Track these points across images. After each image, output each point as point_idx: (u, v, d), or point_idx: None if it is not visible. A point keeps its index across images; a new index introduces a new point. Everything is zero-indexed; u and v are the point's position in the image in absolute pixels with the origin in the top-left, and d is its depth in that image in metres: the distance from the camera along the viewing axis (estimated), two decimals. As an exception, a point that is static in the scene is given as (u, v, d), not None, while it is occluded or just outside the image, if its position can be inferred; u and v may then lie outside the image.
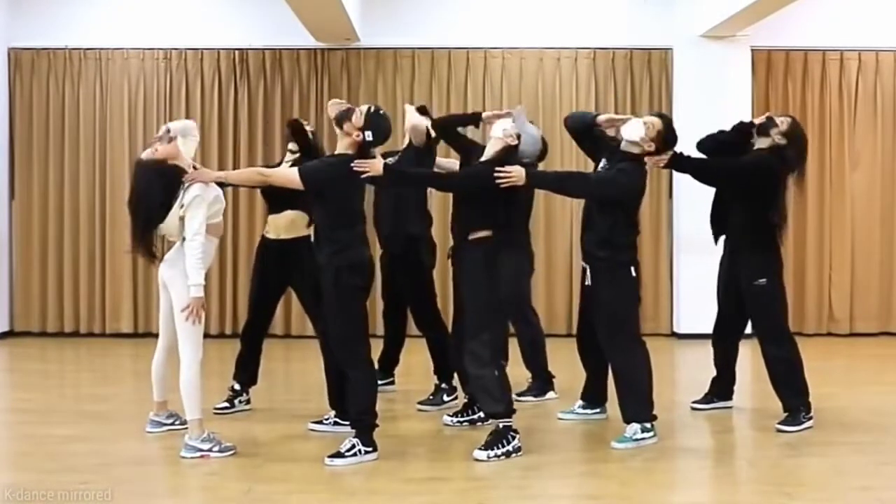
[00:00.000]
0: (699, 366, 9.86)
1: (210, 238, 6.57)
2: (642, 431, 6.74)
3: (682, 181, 11.88)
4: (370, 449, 6.32)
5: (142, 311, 12.02)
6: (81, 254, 12.06)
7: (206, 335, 11.70)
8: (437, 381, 8.06)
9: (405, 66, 12.14)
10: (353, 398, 6.38)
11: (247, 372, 7.99)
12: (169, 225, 6.58)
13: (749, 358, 11.00)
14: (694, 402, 7.89)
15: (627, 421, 6.80)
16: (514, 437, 6.46)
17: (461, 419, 7.36)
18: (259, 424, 7.51)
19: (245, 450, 6.63)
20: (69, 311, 12.07)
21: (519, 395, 7.83)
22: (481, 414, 7.18)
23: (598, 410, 7.54)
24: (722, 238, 7.64)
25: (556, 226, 12.04)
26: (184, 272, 6.48)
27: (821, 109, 12.18)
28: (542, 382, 8.27)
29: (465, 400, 7.44)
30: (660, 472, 6.34)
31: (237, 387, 7.93)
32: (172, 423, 7.04)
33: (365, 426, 6.34)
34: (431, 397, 7.99)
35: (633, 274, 6.86)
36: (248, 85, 12.11)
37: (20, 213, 12.12)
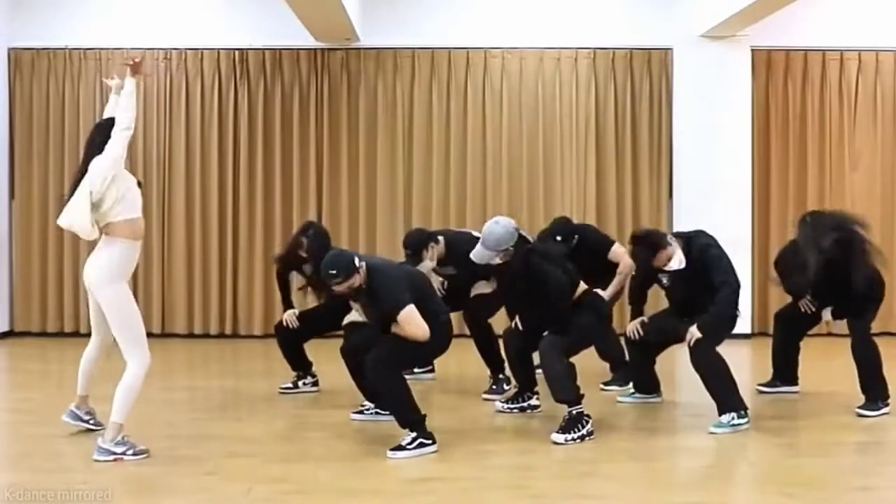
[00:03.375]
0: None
1: (129, 241, 6.48)
2: (738, 418, 7.19)
3: (683, 183, 11.90)
4: (430, 441, 6.51)
5: (142, 311, 11.97)
6: (81, 254, 12.02)
7: (207, 335, 11.91)
8: (491, 375, 8.61)
9: (405, 66, 12.13)
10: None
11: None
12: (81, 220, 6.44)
13: (749, 358, 11.01)
14: (759, 385, 8.66)
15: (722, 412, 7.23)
16: (587, 422, 6.89)
17: (512, 406, 7.76)
18: (259, 424, 7.51)
19: (245, 450, 6.63)
20: (69, 311, 12.07)
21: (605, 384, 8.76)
22: (532, 402, 7.74)
23: (654, 395, 8.22)
24: None
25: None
26: (107, 273, 6.42)
27: (821, 110, 12.18)
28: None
29: (516, 388, 7.85)
30: (660, 472, 6.34)
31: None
32: (88, 422, 7.06)
33: (415, 421, 6.54)
34: (494, 387, 8.46)
35: None
36: (248, 85, 12.10)
37: (20, 212, 12.12)
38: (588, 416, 6.91)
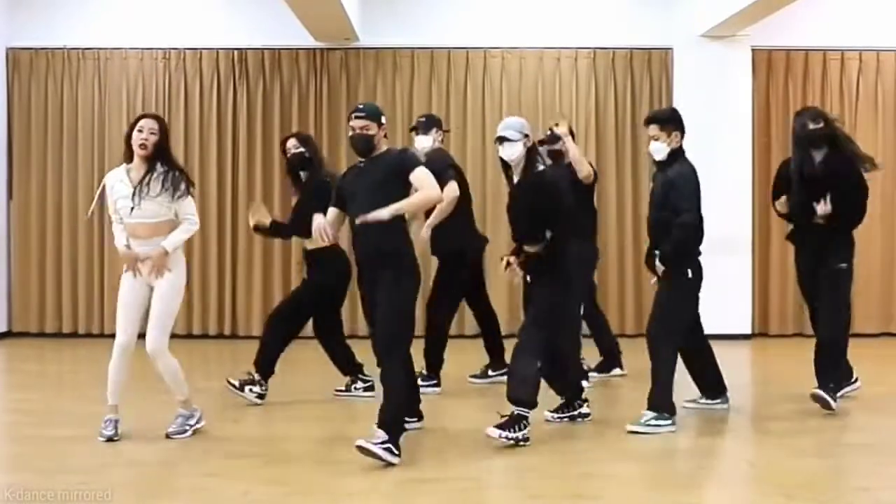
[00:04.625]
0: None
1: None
2: (657, 419, 7.10)
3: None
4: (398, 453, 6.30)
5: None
6: (80, 254, 12.09)
7: (205, 336, 11.94)
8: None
9: (404, 66, 12.16)
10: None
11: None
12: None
13: (749, 357, 11.03)
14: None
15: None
16: (525, 427, 6.73)
17: (561, 415, 7.53)
18: (258, 426, 7.53)
19: (244, 451, 6.65)
20: (67, 312, 12.10)
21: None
22: (582, 411, 7.52)
23: (719, 401, 7.86)
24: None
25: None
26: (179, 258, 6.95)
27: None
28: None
29: (562, 400, 7.56)
30: (659, 473, 6.36)
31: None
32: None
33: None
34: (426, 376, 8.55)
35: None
36: (247, 85, 12.14)
37: (18, 213, 12.15)
38: (528, 423, 6.76)
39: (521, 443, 6.68)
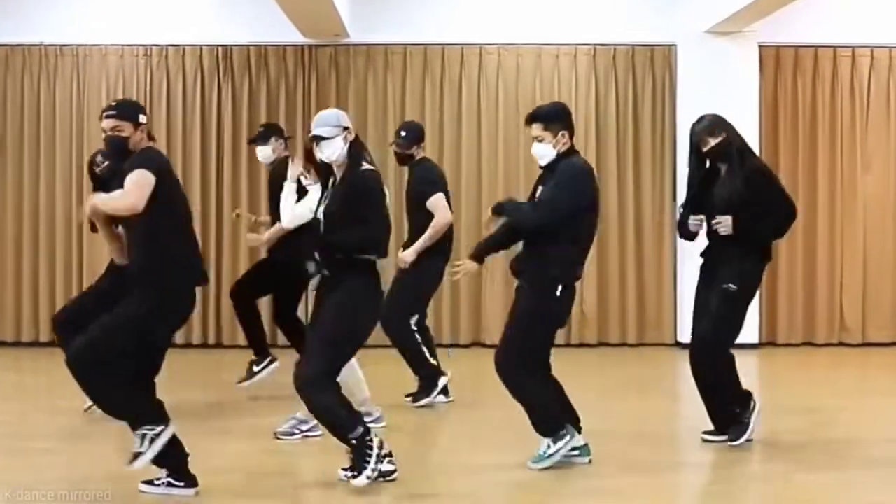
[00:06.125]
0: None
1: None
2: (557, 441, 6.46)
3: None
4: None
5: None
6: (58, 260, 12.07)
7: (189, 345, 11.92)
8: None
9: (396, 63, 12.17)
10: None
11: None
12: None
13: (756, 367, 11.05)
14: None
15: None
16: (373, 443, 5.98)
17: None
18: (245, 438, 7.54)
19: (230, 464, 6.65)
20: (45, 320, 12.06)
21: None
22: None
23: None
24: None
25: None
26: None
27: (832, 109, 12.23)
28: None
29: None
30: (665, 488, 6.36)
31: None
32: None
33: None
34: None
35: None
36: (233, 83, 12.14)
37: (-7, 217, 12.13)
38: (371, 437, 5.95)
39: (387, 466, 6.04)
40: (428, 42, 12.16)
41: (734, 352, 7.16)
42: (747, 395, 7.19)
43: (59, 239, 12.03)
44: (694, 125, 7.25)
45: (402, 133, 8.72)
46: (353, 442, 5.89)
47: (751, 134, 11.93)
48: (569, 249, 6.40)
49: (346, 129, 6.20)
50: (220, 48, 12.13)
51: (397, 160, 8.97)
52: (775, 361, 11.50)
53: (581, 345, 11.88)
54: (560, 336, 11.71)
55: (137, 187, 5.57)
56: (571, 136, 6.48)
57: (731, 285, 6.94)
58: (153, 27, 12.12)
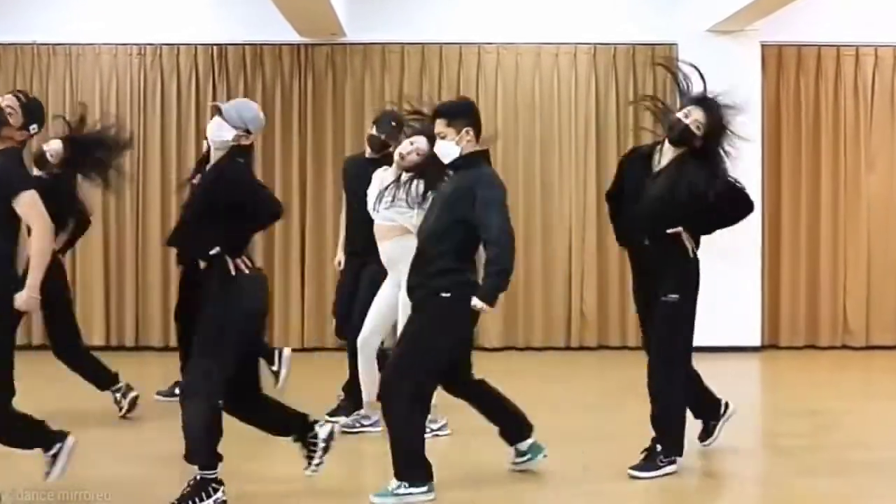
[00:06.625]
0: (706, 381, 9.88)
1: None
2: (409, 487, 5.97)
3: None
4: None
5: (114, 322, 12.02)
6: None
7: (167, 348, 11.86)
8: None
9: (394, 62, 12.15)
10: None
11: None
12: None
13: (758, 370, 11.04)
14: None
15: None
16: (216, 492, 5.78)
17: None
18: (234, 444, 7.51)
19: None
20: (37, 323, 12.01)
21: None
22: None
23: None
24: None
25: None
26: None
27: (835, 108, 12.21)
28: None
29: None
30: (667, 494, 6.35)
31: None
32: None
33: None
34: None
35: None
36: (227, 82, 12.12)
37: (-16, 218, 12.10)
38: (219, 484, 5.78)
39: None
40: (426, 41, 12.14)
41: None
42: (717, 404, 7.07)
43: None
44: None
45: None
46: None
47: (753, 134, 11.95)
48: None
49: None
50: (214, 47, 12.11)
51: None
52: (778, 364, 11.48)
53: (581, 347, 11.85)
54: (560, 339, 11.88)
55: None
56: (478, 135, 6.21)
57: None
58: (147, 26, 12.09)
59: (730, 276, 11.27)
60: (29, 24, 12.06)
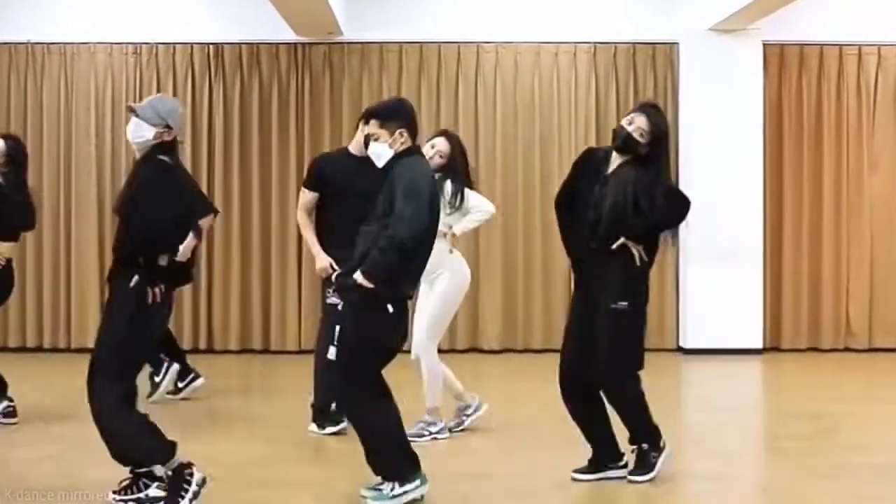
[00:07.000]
0: (707, 384, 9.88)
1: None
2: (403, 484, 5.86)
3: (689, 186, 11.91)
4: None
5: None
6: (45, 263, 12.04)
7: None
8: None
9: (392, 61, 12.15)
10: None
11: None
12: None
13: (760, 372, 11.03)
14: None
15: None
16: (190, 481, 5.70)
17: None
18: (235, 445, 7.51)
19: (221, 473, 6.62)
20: (32, 325, 12.03)
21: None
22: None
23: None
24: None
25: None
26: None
27: (837, 108, 12.21)
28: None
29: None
30: (669, 497, 6.33)
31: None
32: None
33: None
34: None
35: None
36: (224, 82, 12.12)
37: (-22, 219, 12.09)
38: (190, 473, 5.65)
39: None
40: (424, 40, 12.14)
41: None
42: (657, 432, 6.62)
43: (45, 241, 11.98)
44: None
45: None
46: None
47: (755, 134, 11.98)
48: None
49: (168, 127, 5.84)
50: (211, 46, 12.11)
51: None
52: (780, 367, 11.46)
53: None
54: (559, 341, 11.81)
55: None
56: (413, 136, 6.08)
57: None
58: (142, 25, 12.09)
59: (731, 278, 11.27)
60: (23, 22, 12.07)
